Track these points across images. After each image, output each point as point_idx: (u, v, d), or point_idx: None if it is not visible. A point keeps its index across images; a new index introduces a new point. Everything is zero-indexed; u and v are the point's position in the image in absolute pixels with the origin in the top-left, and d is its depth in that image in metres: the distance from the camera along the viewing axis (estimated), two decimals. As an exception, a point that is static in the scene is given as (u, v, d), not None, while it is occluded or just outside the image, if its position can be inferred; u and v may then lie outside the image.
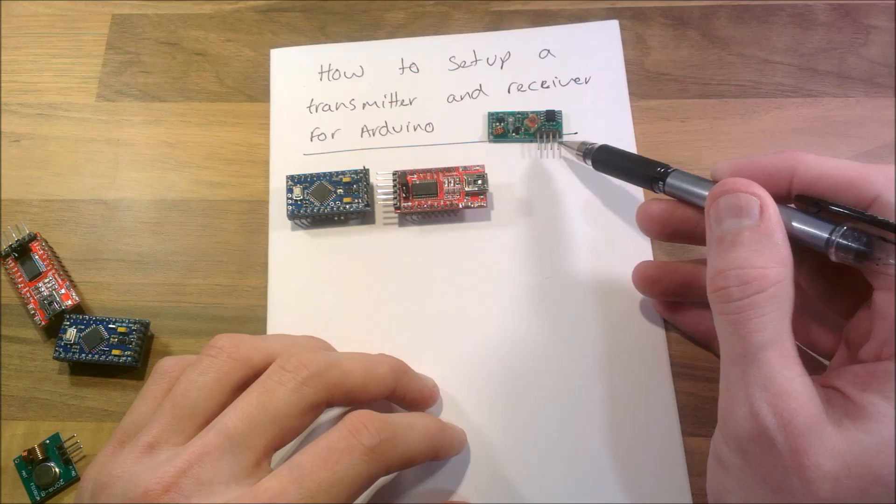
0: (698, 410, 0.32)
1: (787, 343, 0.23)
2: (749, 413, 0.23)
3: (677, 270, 0.32)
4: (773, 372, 0.23)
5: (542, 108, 0.38)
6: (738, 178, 0.26)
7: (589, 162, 0.35)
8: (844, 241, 0.24)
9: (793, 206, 0.26)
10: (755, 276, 0.23)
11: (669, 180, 0.30)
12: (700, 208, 0.28)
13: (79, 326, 0.35)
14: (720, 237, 0.25)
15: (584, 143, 0.36)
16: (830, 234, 0.24)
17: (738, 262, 0.24)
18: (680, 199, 0.30)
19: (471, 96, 0.40)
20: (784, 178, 0.26)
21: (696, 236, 0.30)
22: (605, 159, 0.35)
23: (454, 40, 0.41)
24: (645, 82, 0.39)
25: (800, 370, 0.23)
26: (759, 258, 0.24)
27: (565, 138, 0.38)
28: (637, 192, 0.37)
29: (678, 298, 0.33)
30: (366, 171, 0.37)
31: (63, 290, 0.36)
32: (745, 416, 0.23)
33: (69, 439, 0.34)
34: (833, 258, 0.24)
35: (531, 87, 0.40)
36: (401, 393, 0.30)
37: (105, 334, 0.35)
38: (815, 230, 0.25)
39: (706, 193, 0.27)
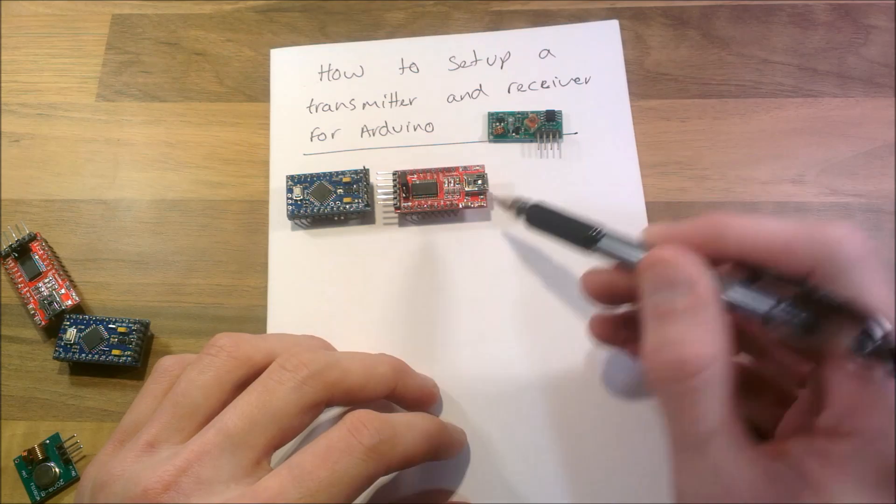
0: (698, 410, 0.32)
1: (733, 427, 0.22)
2: None
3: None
4: (722, 464, 0.22)
5: (542, 108, 0.38)
6: (670, 246, 0.24)
7: (522, 219, 0.32)
8: (783, 317, 0.22)
9: (730, 275, 0.24)
10: (689, 355, 0.22)
11: (600, 245, 0.27)
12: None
13: (79, 326, 0.35)
14: (652, 310, 0.24)
15: (517, 200, 0.32)
16: (770, 309, 0.23)
17: (670, 338, 0.23)
18: (616, 263, 0.27)
19: (471, 96, 0.40)
20: (717, 244, 0.24)
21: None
22: (539, 217, 0.31)
23: (454, 40, 0.41)
24: (645, 82, 0.39)
25: (749, 455, 0.22)
26: (693, 333, 0.22)
27: (496, 192, 0.36)
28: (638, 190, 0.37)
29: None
30: (366, 171, 0.37)
31: (63, 290, 0.36)
32: None
33: (69, 439, 0.34)
34: (774, 334, 0.23)
35: (531, 87, 0.40)
36: (401, 392, 0.30)
37: (105, 334, 0.35)
38: (752, 304, 0.23)
39: (637, 260, 0.25)
